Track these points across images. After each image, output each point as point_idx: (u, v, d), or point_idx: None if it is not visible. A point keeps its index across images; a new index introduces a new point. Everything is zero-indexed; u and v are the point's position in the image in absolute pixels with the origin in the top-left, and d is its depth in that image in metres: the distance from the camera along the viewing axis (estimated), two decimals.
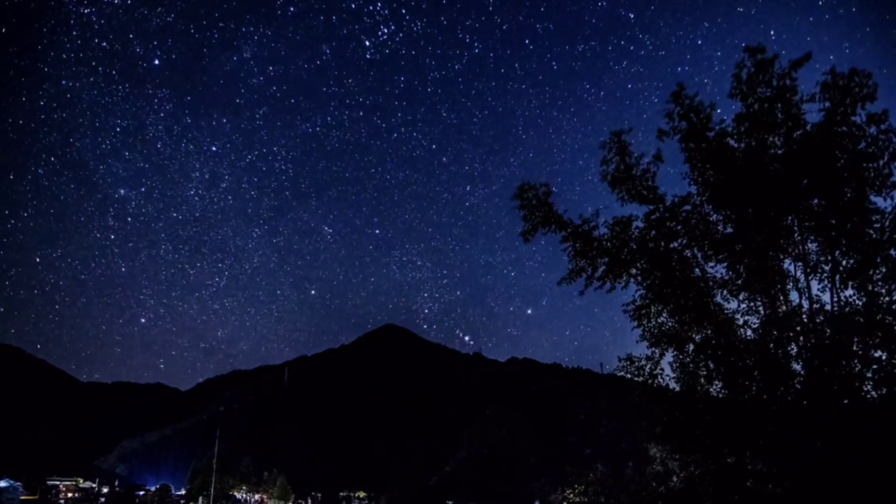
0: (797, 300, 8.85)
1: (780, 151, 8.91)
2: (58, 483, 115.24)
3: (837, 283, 8.55)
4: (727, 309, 9.34)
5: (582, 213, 10.14)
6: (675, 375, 9.67)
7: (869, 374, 8.20)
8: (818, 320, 8.60)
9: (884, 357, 8.08)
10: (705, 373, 9.42)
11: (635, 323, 10.08)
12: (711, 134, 9.22)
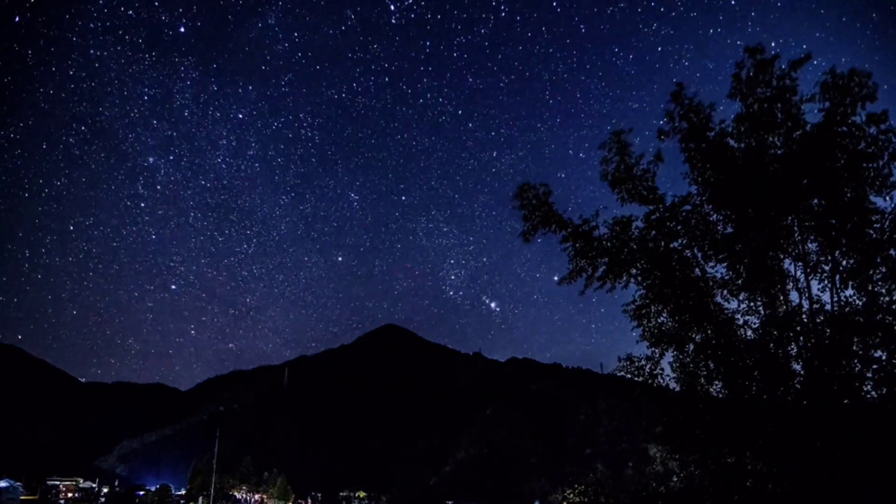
0: (797, 300, 8.86)
1: (780, 151, 8.91)
2: (58, 483, 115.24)
3: (837, 283, 8.55)
4: (727, 309, 9.34)
5: (585, 208, 10.14)
6: (675, 375, 9.67)
7: (869, 374, 8.20)
8: (818, 320, 8.60)
9: (884, 357, 8.08)
10: (705, 373, 9.42)
11: (635, 323, 10.08)
12: (711, 134, 9.23)
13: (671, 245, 9.69)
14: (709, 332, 9.31)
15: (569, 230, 10.04)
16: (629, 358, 10.07)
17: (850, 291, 8.52)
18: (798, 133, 8.69)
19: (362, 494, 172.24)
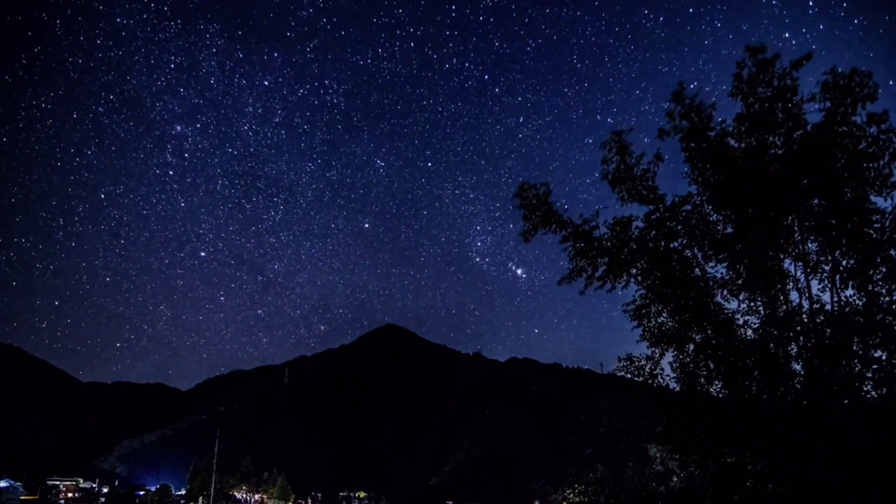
0: (797, 300, 8.85)
1: (780, 151, 8.90)
2: (58, 483, 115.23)
3: (837, 283, 8.55)
4: (727, 309, 9.33)
5: (587, 209, 10.12)
6: (675, 375, 9.66)
7: (869, 374, 8.19)
8: (818, 320, 8.59)
9: (884, 357, 8.08)
10: (705, 373, 9.41)
11: (635, 323, 10.07)
12: (712, 134, 9.22)
13: (671, 245, 9.68)
14: (709, 332, 9.30)
15: (569, 230, 10.03)
16: (629, 358, 10.06)
17: (850, 291, 8.51)
18: (799, 133, 8.68)
19: (362, 494, 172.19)
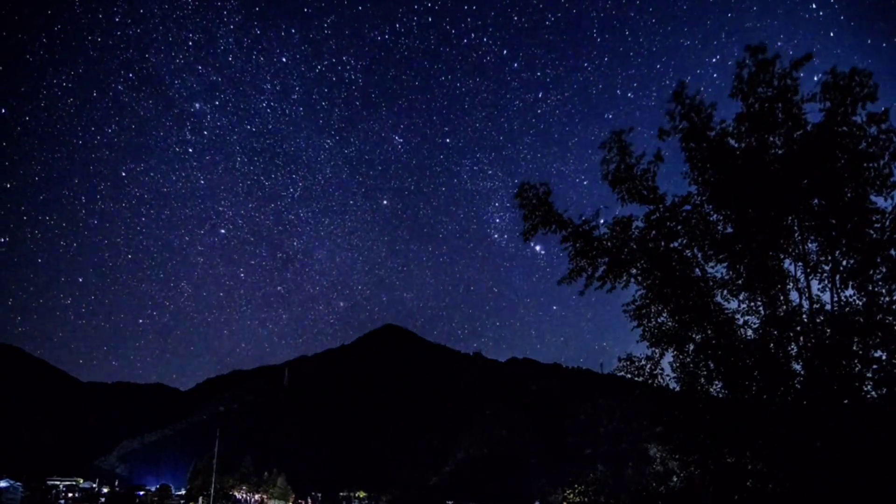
0: (797, 300, 8.85)
1: (780, 151, 8.90)
2: (58, 483, 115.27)
3: (837, 283, 8.54)
4: (727, 309, 9.33)
5: (585, 209, 10.12)
6: (675, 375, 9.66)
7: (869, 374, 8.19)
8: (818, 320, 8.60)
9: (884, 357, 8.07)
10: (705, 373, 9.41)
11: (635, 323, 10.08)
12: (712, 134, 9.22)
13: (671, 245, 9.69)
14: (709, 332, 9.31)
15: (569, 230, 10.04)
16: (629, 358, 10.07)
17: (850, 291, 8.51)
18: (799, 133, 8.68)
19: (362, 494, 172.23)
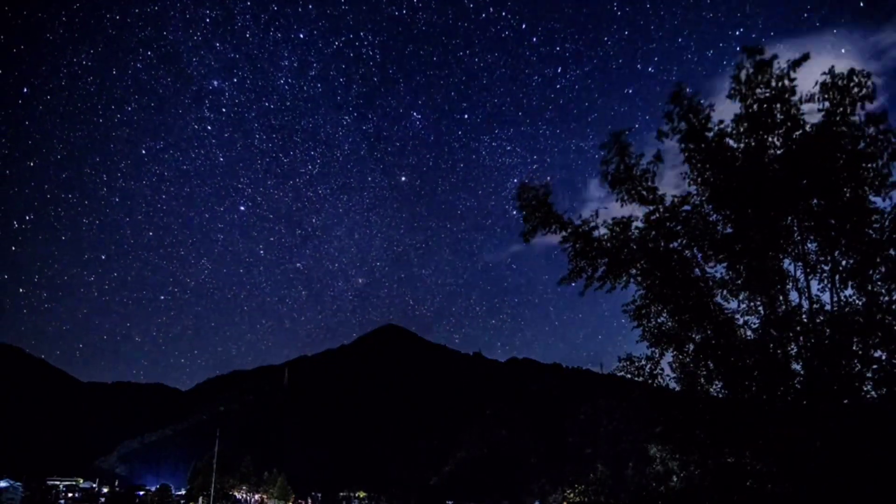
0: (797, 300, 8.86)
1: (779, 151, 8.91)
2: (58, 483, 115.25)
3: (837, 283, 8.56)
4: (727, 309, 9.34)
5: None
6: (675, 375, 9.68)
7: (869, 374, 8.20)
8: (818, 320, 8.60)
9: (884, 357, 8.09)
10: (705, 373, 9.42)
11: (635, 323, 10.09)
12: (711, 134, 9.23)
13: (671, 245, 9.70)
14: (709, 332, 9.32)
15: (568, 230, 10.05)
16: (629, 358, 10.08)
17: (850, 291, 8.53)
18: (797, 133, 8.69)
19: (362, 494, 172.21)
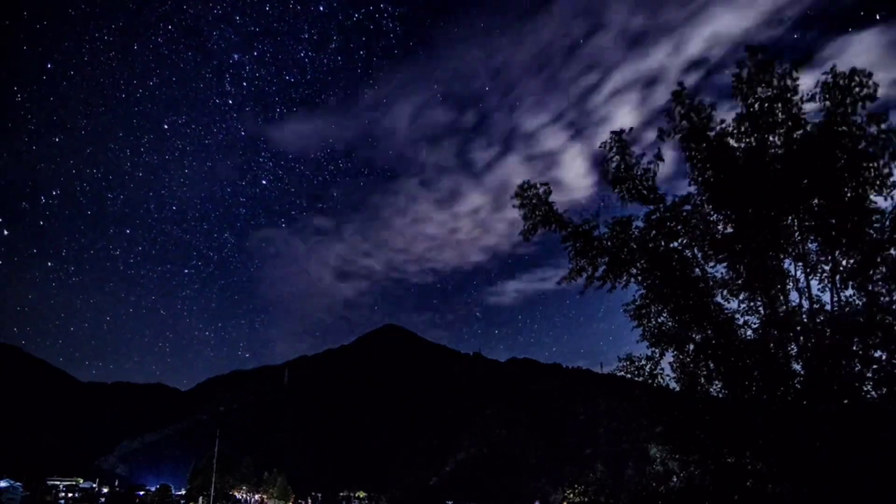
0: (797, 300, 8.86)
1: (780, 151, 8.90)
2: (58, 483, 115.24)
3: (837, 283, 8.55)
4: (727, 309, 9.34)
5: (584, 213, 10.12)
6: (675, 375, 9.67)
7: (869, 374, 8.20)
8: (818, 320, 8.60)
9: (884, 357, 8.08)
10: (705, 373, 9.42)
11: (635, 323, 10.08)
12: (712, 134, 9.22)
13: (671, 245, 9.69)
14: (709, 332, 9.31)
15: (569, 230, 10.04)
16: (629, 358, 10.07)
17: (850, 291, 8.52)
18: (798, 133, 8.68)
19: (362, 494, 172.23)
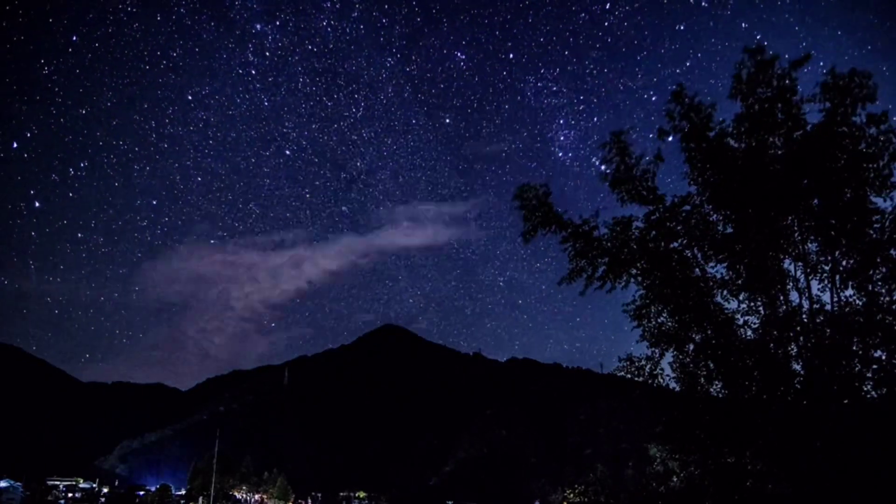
0: (797, 300, 8.87)
1: (780, 152, 8.91)
2: (58, 483, 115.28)
3: (837, 283, 8.56)
4: (727, 309, 9.35)
5: (583, 210, 10.12)
6: (675, 375, 9.68)
7: (869, 374, 8.21)
8: (818, 320, 8.61)
9: (884, 357, 8.09)
10: (705, 373, 9.42)
11: (635, 323, 10.09)
12: (712, 134, 9.24)
13: (671, 245, 9.70)
14: (709, 332, 9.32)
15: (569, 230, 10.05)
16: (629, 358, 10.08)
17: (850, 291, 8.53)
18: (798, 133, 8.70)
19: (362, 494, 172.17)
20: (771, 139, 8.95)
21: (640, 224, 9.77)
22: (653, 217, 9.70)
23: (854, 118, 8.29)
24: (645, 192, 9.70)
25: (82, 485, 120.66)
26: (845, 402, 8.31)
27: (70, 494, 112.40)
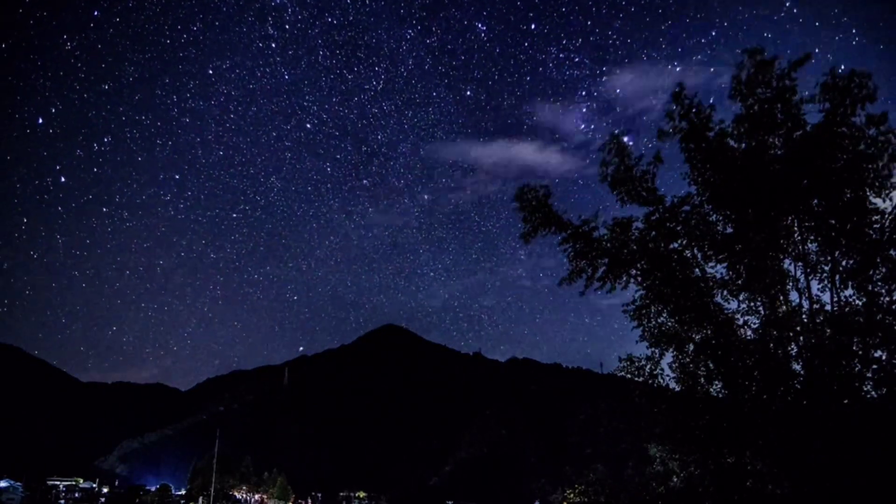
0: (797, 300, 8.88)
1: (779, 152, 8.92)
2: (58, 483, 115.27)
3: (837, 283, 8.57)
4: (727, 309, 9.35)
5: (583, 212, 10.13)
6: (675, 375, 9.68)
7: (869, 374, 8.22)
8: (818, 320, 8.62)
9: (884, 357, 8.10)
10: (705, 373, 9.43)
11: (635, 323, 10.09)
12: (711, 134, 9.24)
13: (671, 245, 9.71)
14: (709, 332, 9.32)
15: (568, 231, 10.05)
16: (629, 358, 10.08)
17: (850, 291, 8.54)
18: (798, 133, 8.70)
19: (362, 494, 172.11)
20: (771, 139, 8.96)
21: (639, 225, 9.79)
22: (653, 217, 9.70)
23: (854, 119, 8.30)
24: (645, 193, 9.71)
25: (82, 485, 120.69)
26: (845, 402, 8.32)
27: (70, 494, 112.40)
